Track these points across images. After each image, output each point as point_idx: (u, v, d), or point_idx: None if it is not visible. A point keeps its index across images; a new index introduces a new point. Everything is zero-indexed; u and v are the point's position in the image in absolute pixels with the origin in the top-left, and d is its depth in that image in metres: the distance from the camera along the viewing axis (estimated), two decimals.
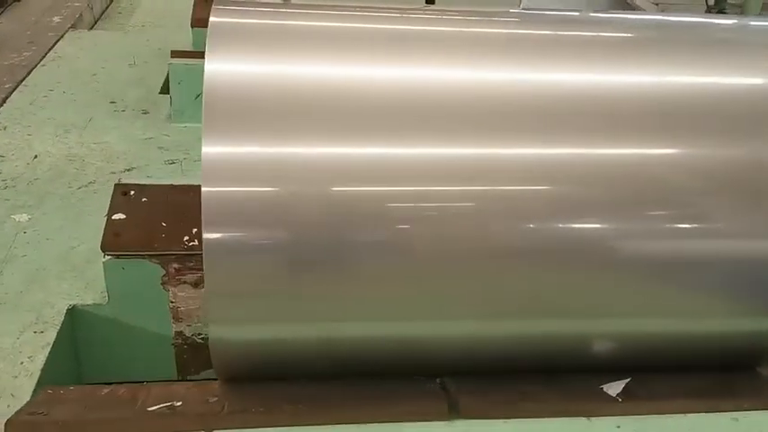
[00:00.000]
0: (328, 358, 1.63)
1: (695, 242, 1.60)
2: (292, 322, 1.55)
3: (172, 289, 2.10)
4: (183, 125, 3.31)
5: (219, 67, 1.46)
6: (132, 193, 2.24)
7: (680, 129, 1.58)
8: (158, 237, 2.10)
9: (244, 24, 1.58)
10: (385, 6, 1.71)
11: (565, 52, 1.64)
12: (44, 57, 4.06)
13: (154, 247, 2.08)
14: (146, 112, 3.50)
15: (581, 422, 1.60)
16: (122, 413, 1.57)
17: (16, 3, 5.10)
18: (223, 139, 1.43)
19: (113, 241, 2.08)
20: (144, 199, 2.23)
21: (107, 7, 5.48)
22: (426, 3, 3.25)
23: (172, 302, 2.11)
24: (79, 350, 2.16)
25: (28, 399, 1.75)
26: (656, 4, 6.55)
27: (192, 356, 2.17)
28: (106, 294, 2.13)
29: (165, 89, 3.66)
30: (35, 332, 2.01)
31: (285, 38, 1.56)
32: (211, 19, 1.53)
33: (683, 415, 1.63)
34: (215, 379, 1.70)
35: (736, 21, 2.08)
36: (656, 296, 1.62)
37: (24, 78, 3.77)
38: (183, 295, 2.11)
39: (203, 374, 2.19)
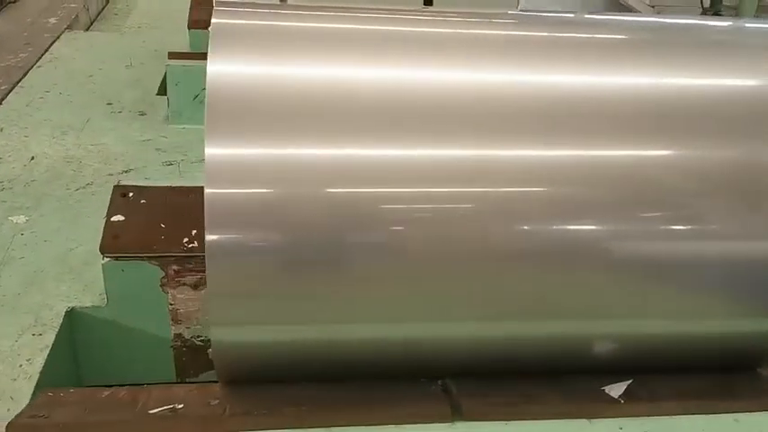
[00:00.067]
0: (330, 360, 1.63)
1: (694, 243, 1.61)
2: (295, 324, 1.55)
3: (171, 291, 2.09)
4: (181, 126, 3.31)
5: (222, 69, 1.46)
6: (131, 194, 2.23)
7: (677, 130, 1.58)
8: (157, 238, 2.09)
9: (246, 26, 1.57)
10: (385, 8, 1.71)
11: (562, 54, 1.64)
12: (40, 58, 4.06)
13: (153, 248, 2.07)
14: (143, 114, 3.49)
15: (583, 424, 1.60)
16: (123, 416, 1.56)
17: (12, 4, 5.09)
18: (226, 140, 1.42)
19: (112, 243, 2.07)
20: (143, 201, 2.22)
21: (103, 8, 5.47)
22: (424, 4, 3.25)
23: (171, 304, 2.11)
24: (78, 352, 2.15)
25: (27, 401, 1.74)
26: (652, 7, 6.57)
27: (191, 359, 2.17)
28: (105, 296, 2.12)
29: (161, 90, 3.65)
30: (34, 334, 2.00)
31: (286, 39, 1.55)
32: (213, 20, 1.52)
33: (684, 416, 1.64)
34: (215, 381, 1.70)
35: (731, 23, 2.09)
36: (655, 297, 1.62)
37: (21, 79, 3.76)
38: (182, 297, 2.11)
39: (202, 377, 2.19)
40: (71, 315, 2.11)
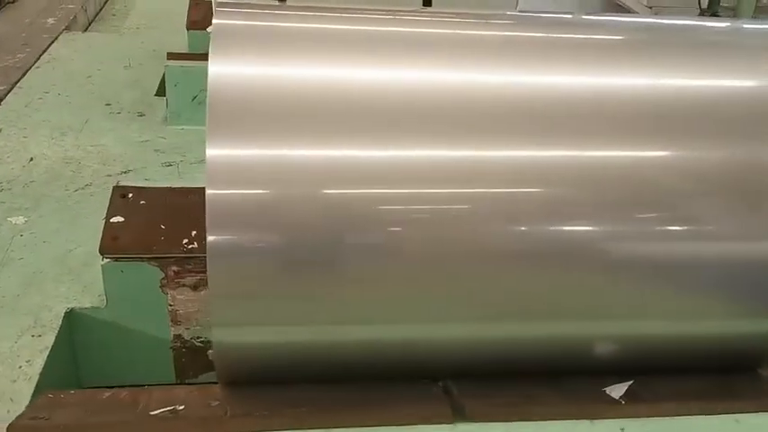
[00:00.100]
0: (331, 362, 1.63)
1: (691, 244, 1.60)
2: (297, 325, 1.54)
3: (171, 292, 2.09)
4: (180, 127, 3.30)
5: (224, 70, 1.46)
6: (131, 195, 2.23)
7: (675, 131, 1.58)
8: (157, 239, 2.09)
9: (247, 26, 1.57)
10: (385, 9, 1.71)
11: (559, 55, 1.64)
12: (38, 59, 4.04)
13: (153, 249, 2.07)
14: (141, 115, 3.49)
15: (584, 425, 1.60)
16: (124, 417, 1.56)
17: (10, 4, 5.08)
18: (228, 141, 1.42)
19: (112, 244, 2.07)
20: (142, 202, 2.22)
21: (101, 9, 5.47)
22: (423, 5, 3.25)
23: (170, 305, 2.10)
24: (77, 354, 2.14)
25: (27, 403, 1.73)
26: (650, 8, 6.57)
27: (191, 360, 2.17)
28: (104, 297, 2.12)
29: (160, 91, 3.65)
30: (33, 336, 1.99)
31: (288, 40, 1.55)
32: (214, 21, 1.52)
33: (685, 417, 1.64)
34: (215, 382, 1.69)
35: (729, 23, 2.09)
36: (654, 298, 1.62)
37: (19, 80, 3.75)
38: (181, 298, 2.10)
39: (202, 378, 2.19)
40: (70, 316, 2.10)
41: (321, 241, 1.46)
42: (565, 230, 1.54)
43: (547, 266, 1.54)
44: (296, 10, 1.67)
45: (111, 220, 2.13)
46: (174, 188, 2.32)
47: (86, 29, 5.01)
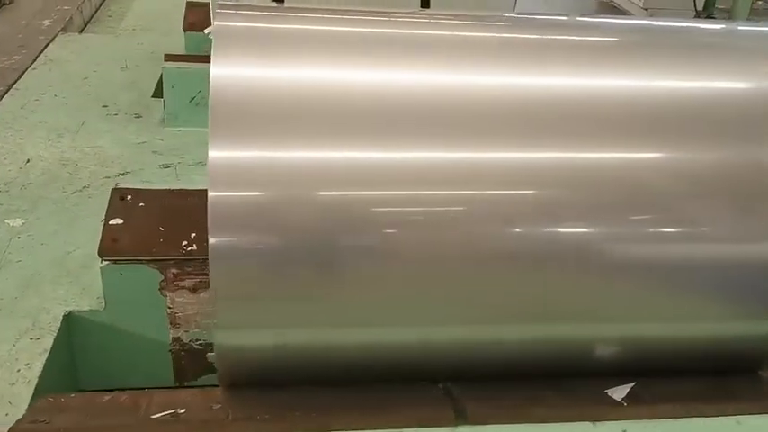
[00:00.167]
0: (333, 364, 1.62)
1: (686, 246, 1.60)
2: (299, 327, 1.54)
3: (170, 294, 2.08)
4: (177, 129, 3.29)
5: (225, 72, 1.45)
6: (129, 197, 2.22)
7: (669, 133, 1.58)
8: (156, 242, 2.08)
9: (248, 28, 1.57)
10: (384, 10, 1.71)
11: (554, 57, 1.64)
12: (35, 60, 4.02)
13: (152, 252, 2.06)
14: (138, 116, 3.47)
15: (586, 427, 1.60)
16: (125, 420, 1.56)
17: (6, 5, 5.06)
18: (230, 143, 1.42)
19: (111, 246, 2.06)
20: (141, 204, 2.21)
21: (96, 11, 5.45)
22: (421, 6, 3.25)
23: (169, 308, 2.10)
24: (76, 356, 2.14)
25: (26, 406, 1.72)
26: (645, 9, 6.59)
27: (190, 362, 2.16)
28: (102, 300, 2.11)
29: (157, 93, 3.64)
30: (31, 339, 1.98)
31: (289, 42, 1.55)
32: (215, 23, 1.52)
33: (686, 419, 1.64)
34: (216, 385, 1.69)
35: (724, 25, 2.10)
36: (649, 300, 1.62)
37: (15, 82, 3.73)
38: (180, 301, 2.10)
39: (201, 380, 2.18)
40: (69, 319, 2.09)
41: (321, 243, 1.46)
42: (560, 232, 1.54)
43: (543, 268, 1.54)
44: (295, 11, 1.67)
45: (110, 223, 2.13)
46: (173, 190, 2.31)
47: (82, 30, 4.99)
